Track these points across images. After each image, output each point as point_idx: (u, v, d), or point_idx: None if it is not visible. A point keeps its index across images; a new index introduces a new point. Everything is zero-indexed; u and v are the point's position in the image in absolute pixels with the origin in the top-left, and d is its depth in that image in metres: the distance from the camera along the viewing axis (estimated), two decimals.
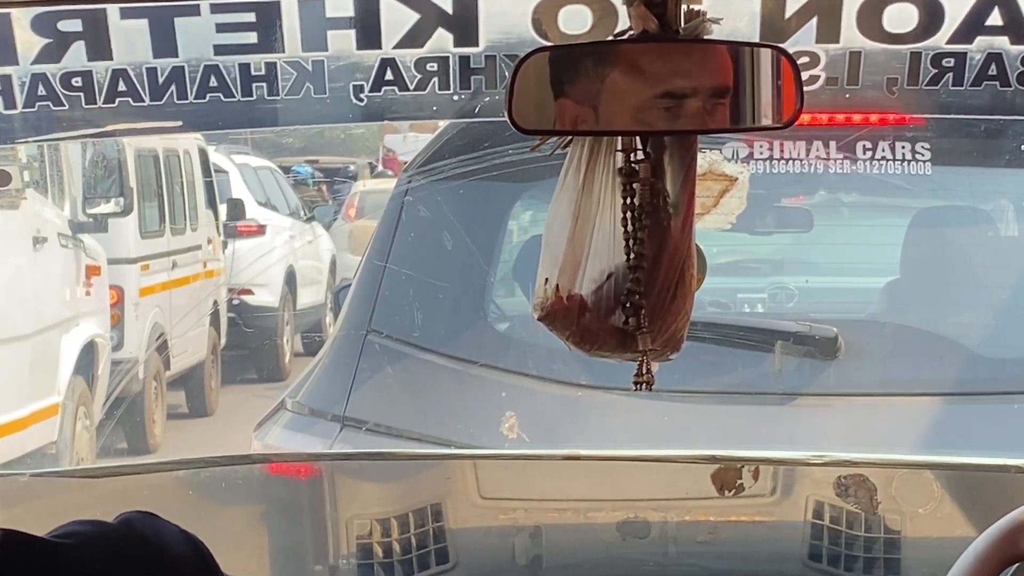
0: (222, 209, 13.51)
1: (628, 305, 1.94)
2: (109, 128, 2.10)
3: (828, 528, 2.42)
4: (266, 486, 2.55)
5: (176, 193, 12.16)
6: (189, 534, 1.22)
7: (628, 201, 1.93)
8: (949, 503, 2.47)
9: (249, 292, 13.78)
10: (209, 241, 12.79)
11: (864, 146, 3.74)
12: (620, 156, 1.94)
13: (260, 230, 14.35)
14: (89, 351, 9.81)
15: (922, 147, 3.75)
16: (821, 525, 2.42)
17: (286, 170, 18.60)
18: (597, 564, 2.43)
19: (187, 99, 2.07)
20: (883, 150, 3.75)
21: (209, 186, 12.95)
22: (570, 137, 1.96)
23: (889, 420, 3.57)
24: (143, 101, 2.07)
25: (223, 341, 12.91)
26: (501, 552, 2.43)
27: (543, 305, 1.96)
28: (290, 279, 14.49)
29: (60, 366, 9.41)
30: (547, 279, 1.96)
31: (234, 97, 2.08)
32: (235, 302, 13.27)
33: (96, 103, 2.06)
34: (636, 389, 1.97)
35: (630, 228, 1.93)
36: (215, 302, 12.74)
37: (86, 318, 9.86)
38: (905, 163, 3.76)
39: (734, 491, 2.39)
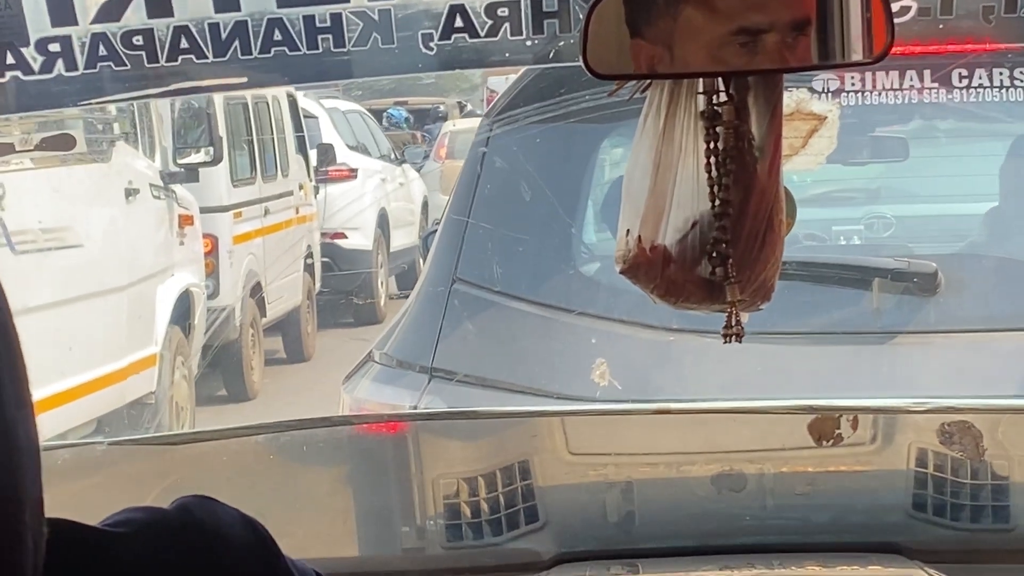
0: (312, 154, 13.54)
1: (714, 255, 1.86)
2: (173, 87, 2.04)
3: (932, 476, 2.33)
4: (348, 447, 2.51)
5: (266, 140, 12.19)
6: (249, 518, 1.17)
7: (711, 146, 1.85)
8: None
9: (342, 236, 13.83)
10: (301, 187, 12.83)
11: (960, 74, 3.63)
12: (702, 99, 1.86)
13: (351, 174, 14.39)
14: (185, 300, 9.87)
15: (1021, 73, 3.63)
16: (925, 474, 2.34)
17: (378, 113, 18.63)
18: (692, 519, 2.37)
19: (251, 54, 2.01)
20: (980, 77, 3.63)
21: (299, 132, 12.97)
22: (649, 81, 1.89)
23: (993, 357, 3.47)
24: (207, 58, 2.01)
25: (318, 286, 12.98)
26: (592, 509, 2.37)
27: (625, 257, 1.89)
28: (383, 222, 14.52)
29: (156, 316, 9.47)
30: (628, 230, 1.89)
31: (299, 50, 2.01)
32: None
33: (159, 61, 2.01)
34: (726, 342, 1.90)
35: (714, 174, 1.85)
36: (309, 247, 12.78)
37: (180, 268, 9.92)
38: (1004, 90, 3.65)
39: (832, 441, 2.31)
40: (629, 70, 1.84)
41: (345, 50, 2.01)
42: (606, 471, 2.39)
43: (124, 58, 2.00)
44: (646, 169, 1.89)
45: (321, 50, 2.01)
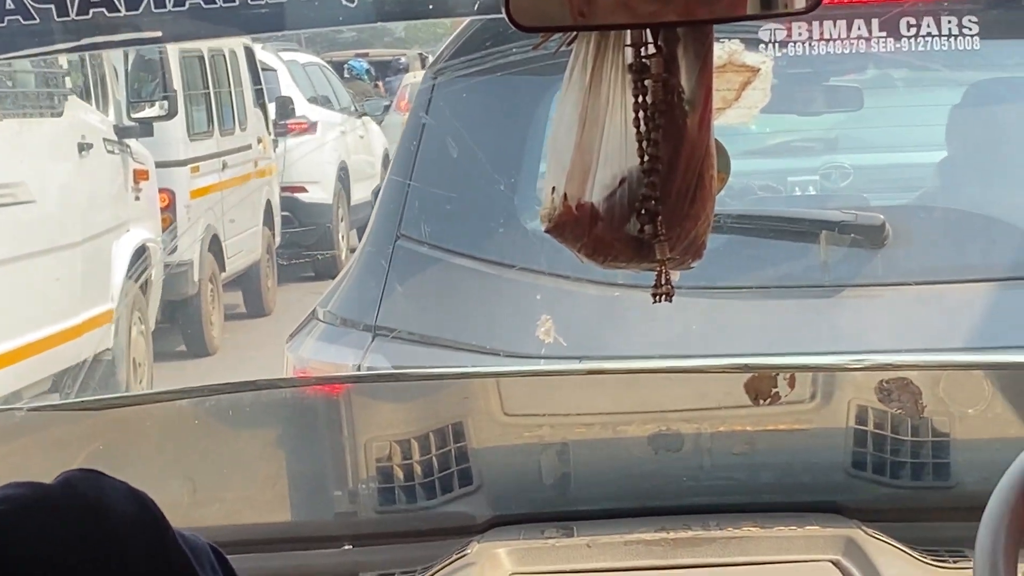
0: (271, 108, 13.44)
1: (643, 212, 1.81)
2: (85, 42, 1.97)
3: (872, 434, 2.30)
4: (280, 411, 2.46)
5: (223, 93, 12.09)
6: (137, 492, 1.13)
7: (640, 100, 1.79)
8: (1000, 401, 2.35)
9: (302, 190, 13.75)
10: (259, 140, 12.74)
11: (908, 23, 3.58)
12: (629, 51, 1.80)
13: (311, 127, 14.30)
14: (141, 256, 9.80)
15: (969, 20, 3.59)
16: (864, 432, 2.30)
17: (338, 66, 18.52)
18: (628, 480, 2.33)
19: (165, 7, 1.94)
20: (928, 26, 3.59)
21: (257, 84, 12.88)
22: (575, 33, 1.83)
23: (940, 309, 3.44)
24: (119, 11, 1.94)
25: (278, 240, 12.90)
26: (526, 471, 2.33)
27: (551, 216, 1.84)
28: (343, 175, 14.45)
29: (112, 272, 9.40)
30: (554, 188, 1.84)
31: (215, 3, 1.95)
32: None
33: (69, 15, 1.94)
34: (655, 301, 1.85)
35: (643, 129, 1.80)
36: (268, 201, 12.71)
37: (136, 223, 9.84)
38: (952, 38, 3.60)
39: (769, 400, 2.27)
40: (554, 22, 1.78)
41: (263, 2, 1.95)
42: (541, 432, 2.35)
43: (32, 11, 1.93)
44: (572, 125, 1.83)
45: (238, 3, 1.95)
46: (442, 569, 2.17)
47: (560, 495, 2.35)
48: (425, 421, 2.36)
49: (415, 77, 18.43)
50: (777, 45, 3.52)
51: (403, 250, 3.60)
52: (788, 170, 4.76)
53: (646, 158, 1.80)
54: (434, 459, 2.31)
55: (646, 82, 1.80)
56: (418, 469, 2.32)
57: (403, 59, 22.31)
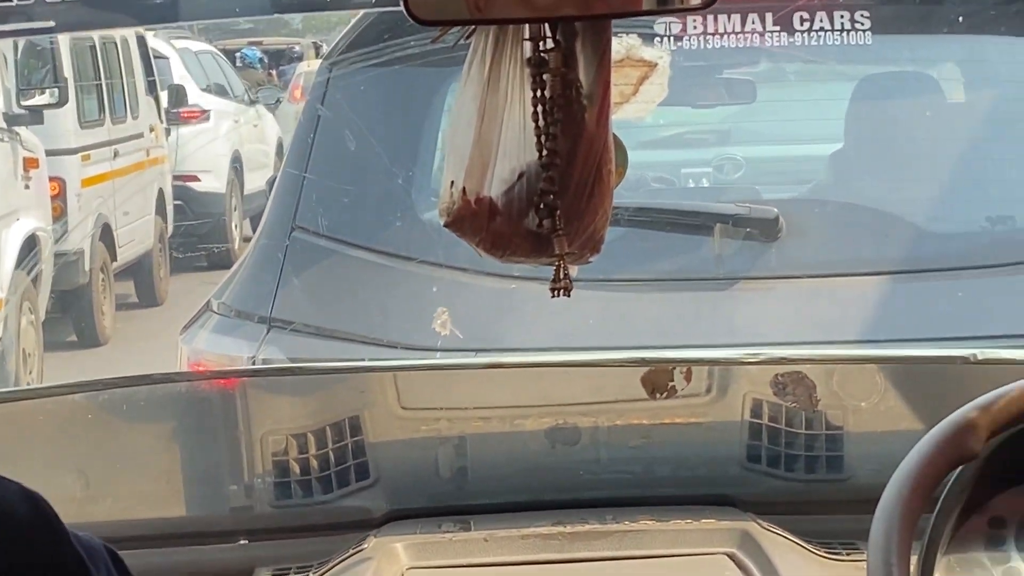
0: (164, 96, 13.32)
1: (542, 206, 1.81)
2: None
3: (767, 428, 2.31)
4: (174, 405, 2.43)
5: (115, 81, 11.97)
6: (31, 493, 1.11)
7: (538, 94, 1.79)
8: (893, 395, 2.37)
9: (195, 179, 13.65)
10: (152, 129, 12.63)
11: (801, 17, 3.61)
12: (528, 45, 1.80)
13: (204, 115, 14.19)
14: (31, 245, 9.68)
15: (861, 15, 3.62)
16: (760, 424, 2.32)
17: (231, 54, 18.38)
18: (525, 474, 2.33)
19: None
20: (821, 20, 3.62)
21: (149, 73, 12.76)
22: (473, 27, 1.82)
23: (833, 302, 3.47)
24: (10, 1, 1.91)
25: (170, 229, 12.80)
26: (424, 465, 2.32)
27: (450, 210, 1.83)
28: (236, 164, 14.36)
29: (2, 262, 9.27)
30: (453, 182, 1.83)
31: None
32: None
33: None
34: (554, 295, 1.85)
35: (541, 123, 1.79)
36: (160, 190, 12.60)
37: (26, 211, 9.72)
38: (844, 33, 3.64)
39: (666, 393, 2.28)
40: (453, 15, 1.77)
41: None
42: (438, 426, 2.35)
43: None
44: (471, 119, 1.83)
45: None
46: (338, 564, 2.16)
47: (457, 489, 2.35)
48: (322, 415, 2.35)
49: (309, 66, 18.33)
50: (672, 39, 3.54)
51: (299, 242, 3.58)
52: (681, 162, 4.79)
53: (545, 152, 1.80)
54: (331, 453, 2.30)
55: (545, 76, 1.79)
56: (314, 463, 2.30)
57: (297, 48, 22.18)
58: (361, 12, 3.49)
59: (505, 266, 3.32)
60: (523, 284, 3.37)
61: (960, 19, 3.72)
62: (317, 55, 21.30)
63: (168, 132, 13.23)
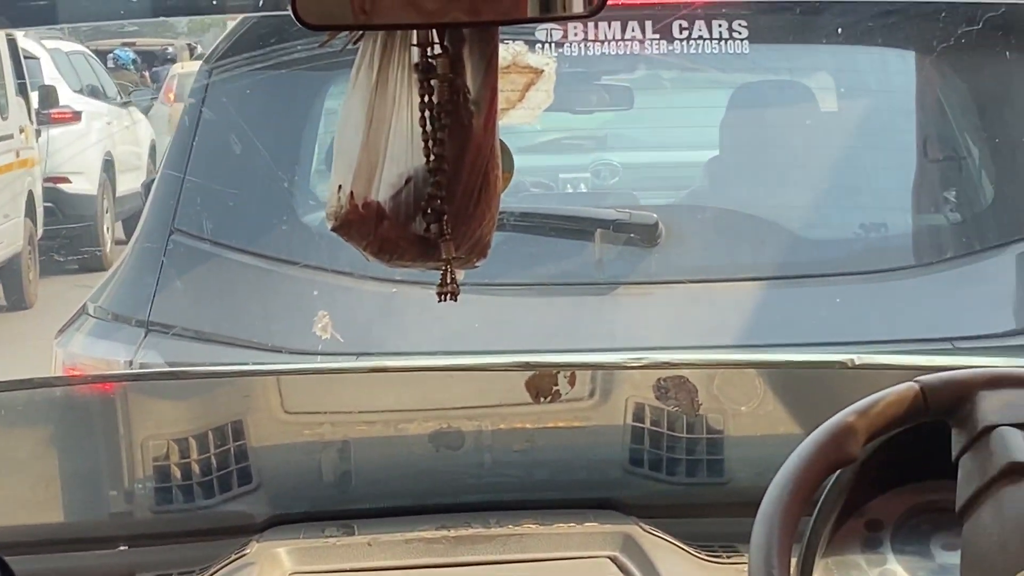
0: (34, 97, 13.13)
1: (429, 211, 1.81)
2: None
3: (649, 431, 2.33)
4: (53, 408, 2.41)
5: None
6: None
7: (426, 99, 1.80)
8: (772, 399, 2.40)
9: (66, 180, 13.46)
10: (21, 130, 12.44)
11: (680, 26, 3.65)
12: (416, 51, 1.81)
13: (75, 117, 13.99)
14: None
15: (739, 25, 3.67)
16: (642, 428, 2.34)
17: (104, 55, 18.16)
18: (409, 478, 2.33)
19: None
20: (700, 29, 3.66)
21: (19, 74, 12.57)
22: (361, 32, 1.82)
23: (713, 307, 3.51)
24: None
25: (40, 231, 12.61)
26: (306, 469, 2.32)
27: (337, 214, 1.83)
28: (108, 166, 14.18)
29: None
30: (340, 186, 1.83)
31: None
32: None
33: None
34: (440, 300, 1.85)
35: (429, 128, 1.80)
36: (30, 191, 12.41)
37: None
38: (722, 42, 3.68)
39: (550, 397, 2.29)
40: (340, 20, 1.77)
41: None
42: (321, 431, 2.34)
43: None
44: (359, 123, 1.83)
45: None
46: (221, 569, 2.15)
47: (341, 493, 2.35)
48: (203, 419, 2.33)
49: (182, 68, 18.16)
50: (553, 45, 3.55)
51: (178, 245, 3.55)
52: (559, 167, 4.81)
53: (432, 157, 1.81)
54: (212, 458, 2.29)
55: (432, 82, 1.80)
56: (196, 468, 2.29)
57: (171, 49, 21.96)
58: (241, 16, 3.47)
59: (387, 270, 3.33)
60: (405, 288, 3.37)
61: (839, 30, 3.78)
62: (191, 56, 21.13)
63: (39, 133, 13.05)
